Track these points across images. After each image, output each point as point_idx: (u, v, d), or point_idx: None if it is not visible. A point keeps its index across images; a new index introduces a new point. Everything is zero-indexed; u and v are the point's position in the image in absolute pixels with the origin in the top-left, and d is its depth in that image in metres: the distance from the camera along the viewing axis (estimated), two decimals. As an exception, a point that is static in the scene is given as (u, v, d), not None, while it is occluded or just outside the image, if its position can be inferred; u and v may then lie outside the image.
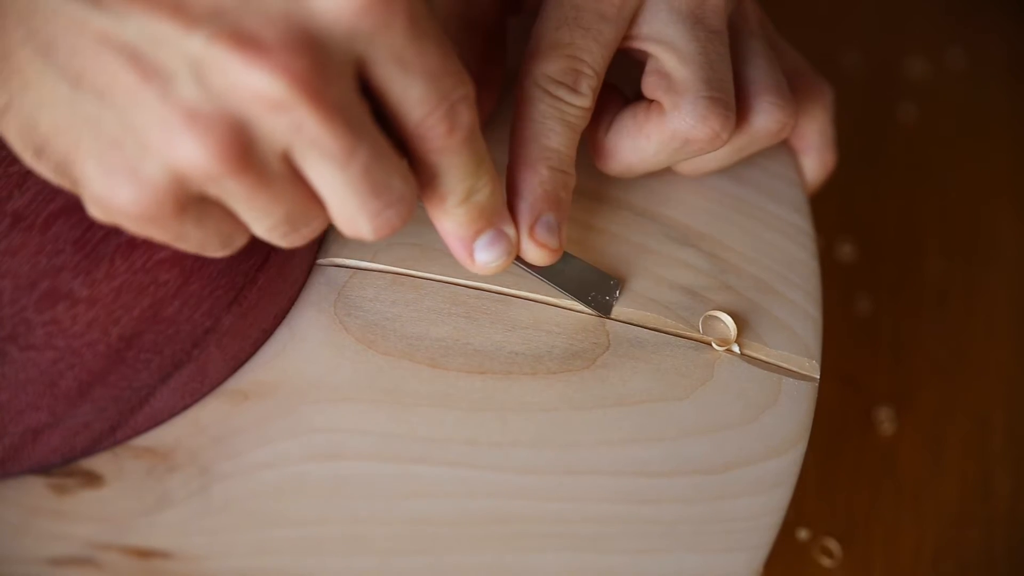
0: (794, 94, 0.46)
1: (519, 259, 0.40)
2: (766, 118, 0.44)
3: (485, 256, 0.38)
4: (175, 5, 0.30)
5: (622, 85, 0.46)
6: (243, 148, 0.31)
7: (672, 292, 0.44)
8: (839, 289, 0.65)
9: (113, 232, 0.39)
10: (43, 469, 0.37)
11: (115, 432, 0.38)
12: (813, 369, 0.43)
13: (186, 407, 0.39)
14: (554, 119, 0.40)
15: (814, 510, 0.57)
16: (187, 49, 0.30)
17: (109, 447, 0.38)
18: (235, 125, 0.31)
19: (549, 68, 0.41)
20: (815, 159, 0.50)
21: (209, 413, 0.39)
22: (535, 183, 0.40)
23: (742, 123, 0.44)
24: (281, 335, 0.41)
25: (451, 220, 0.37)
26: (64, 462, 0.38)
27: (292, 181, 0.33)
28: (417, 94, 0.33)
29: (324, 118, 0.31)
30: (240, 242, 0.35)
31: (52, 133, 0.32)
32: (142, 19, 0.30)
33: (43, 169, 0.33)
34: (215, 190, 0.32)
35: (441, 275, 0.43)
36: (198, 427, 0.39)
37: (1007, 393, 0.63)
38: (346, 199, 0.33)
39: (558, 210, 0.40)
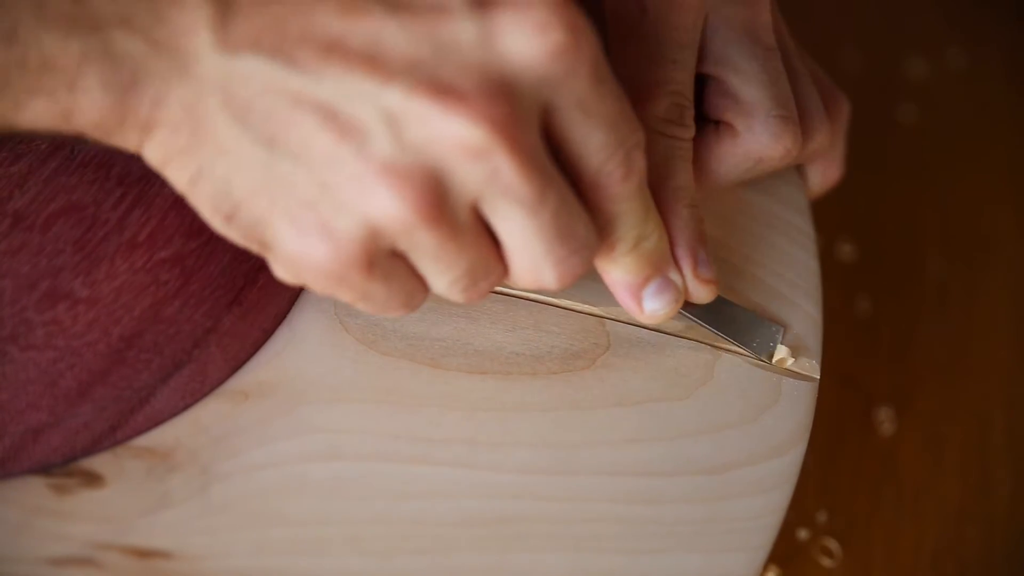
0: None
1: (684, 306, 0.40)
2: (812, 139, 0.45)
3: (654, 304, 0.38)
4: (370, 60, 0.30)
5: None
6: (438, 199, 0.31)
7: (672, 292, 0.44)
8: (839, 289, 0.65)
9: (114, 232, 0.39)
10: (43, 469, 0.37)
11: (115, 432, 0.38)
12: (813, 369, 0.43)
13: (186, 407, 0.39)
14: (676, 157, 0.41)
15: (814, 510, 0.57)
16: (384, 103, 0.30)
17: (109, 447, 0.38)
18: (431, 176, 0.31)
19: (658, 109, 0.41)
20: (822, 171, 0.50)
21: (209, 413, 0.39)
22: (682, 224, 0.39)
23: None
24: (281, 335, 0.41)
25: (620, 269, 0.37)
26: (64, 462, 0.38)
27: (478, 233, 0.33)
28: (597, 141, 0.33)
29: (520, 164, 0.31)
30: (420, 300, 0.35)
31: (245, 197, 0.32)
32: (338, 76, 0.30)
33: (232, 233, 0.33)
34: (405, 244, 0.32)
35: None
36: (198, 427, 0.39)
37: (1007, 393, 0.63)
38: (533, 247, 0.33)
39: (705, 244, 0.40)
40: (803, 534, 0.57)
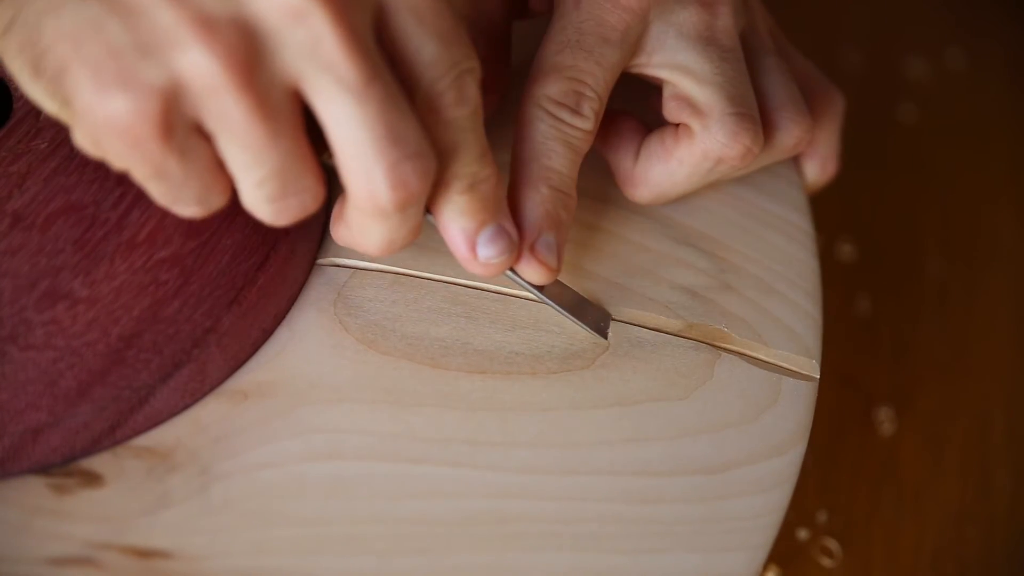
0: (806, 102, 0.46)
1: (516, 274, 0.40)
2: (785, 134, 0.44)
3: (487, 251, 0.37)
4: None
5: (640, 113, 0.46)
6: (250, 59, 0.30)
7: (672, 292, 0.44)
8: (839, 289, 0.65)
9: (113, 232, 0.39)
10: (43, 469, 0.37)
11: (115, 432, 0.38)
12: (813, 369, 0.43)
13: (186, 407, 0.39)
14: (555, 140, 0.40)
15: (814, 510, 0.57)
16: None
17: (109, 447, 0.38)
18: (248, 35, 0.30)
19: (551, 90, 0.40)
20: (818, 165, 0.50)
21: (209, 413, 0.39)
22: (536, 202, 0.39)
23: (764, 139, 0.44)
24: (281, 335, 0.41)
25: (455, 208, 0.36)
26: (64, 462, 0.38)
27: (294, 125, 0.32)
28: (429, 54, 0.33)
29: (342, 35, 0.30)
30: (217, 201, 0.34)
31: (51, 43, 0.31)
32: None
33: (37, 89, 0.32)
34: (211, 114, 0.31)
35: (441, 275, 0.43)
36: (198, 427, 0.39)
37: (1007, 393, 0.63)
38: (361, 142, 0.32)
39: (558, 230, 0.40)
40: (803, 534, 0.57)
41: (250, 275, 0.40)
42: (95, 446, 0.38)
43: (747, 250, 0.46)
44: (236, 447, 0.38)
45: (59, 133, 0.40)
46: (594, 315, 0.42)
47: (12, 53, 0.32)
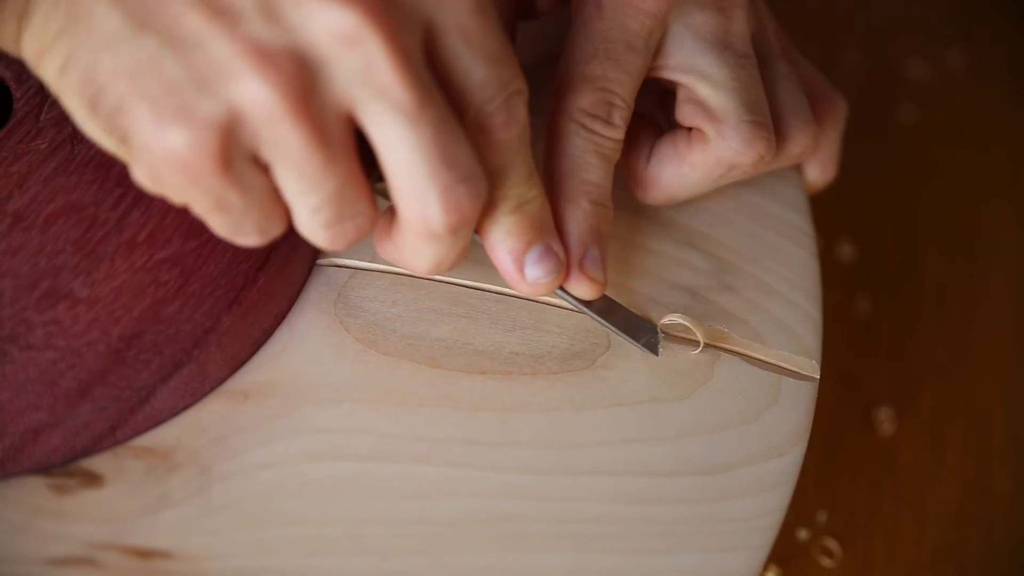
0: (810, 106, 0.46)
1: (565, 291, 0.40)
2: (793, 143, 0.44)
3: (535, 271, 0.37)
4: None
5: (652, 113, 0.46)
6: (306, 88, 0.30)
7: (672, 292, 0.44)
8: (839, 289, 0.65)
9: (114, 232, 0.39)
10: (43, 469, 0.37)
11: (115, 432, 0.38)
12: (813, 369, 0.43)
13: (186, 407, 0.39)
14: (591, 152, 0.40)
15: (814, 510, 0.57)
16: None
17: (109, 447, 0.38)
18: (301, 63, 0.30)
19: (582, 102, 0.40)
20: (818, 169, 0.50)
21: (209, 413, 0.39)
22: (580, 218, 0.39)
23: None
24: (281, 335, 0.41)
25: (502, 229, 0.36)
26: (64, 462, 0.38)
27: (348, 152, 0.32)
28: (479, 77, 0.33)
29: (395, 59, 0.30)
30: (277, 230, 0.34)
31: (109, 80, 0.31)
32: None
33: (95, 127, 0.33)
34: (268, 143, 0.31)
35: (441, 275, 0.43)
36: (198, 427, 0.39)
37: (1007, 393, 0.63)
38: (415, 165, 0.32)
39: (601, 244, 0.40)
40: (803, 534, 0.57)
41: (250, 275, 0.40)
42: (95, 446, 0.38)
43: (747, 250, 0.46)
44: (236, 447, 0.38)
45: (59, 133, 0.40)
46: (645, 331, 0.42)
47: (69, 91, 0.32)
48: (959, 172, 0.73)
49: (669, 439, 0.40)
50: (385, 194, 0.35)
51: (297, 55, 0.30)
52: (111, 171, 0.40)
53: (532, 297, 0.42)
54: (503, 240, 0.37)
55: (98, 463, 0.38)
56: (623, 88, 0.41)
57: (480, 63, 0.33)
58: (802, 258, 0.46)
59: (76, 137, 0.40)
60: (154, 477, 0.38)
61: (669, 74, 0.43)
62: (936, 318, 0.66)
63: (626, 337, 0.42)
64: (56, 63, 0.32)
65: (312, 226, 0.33)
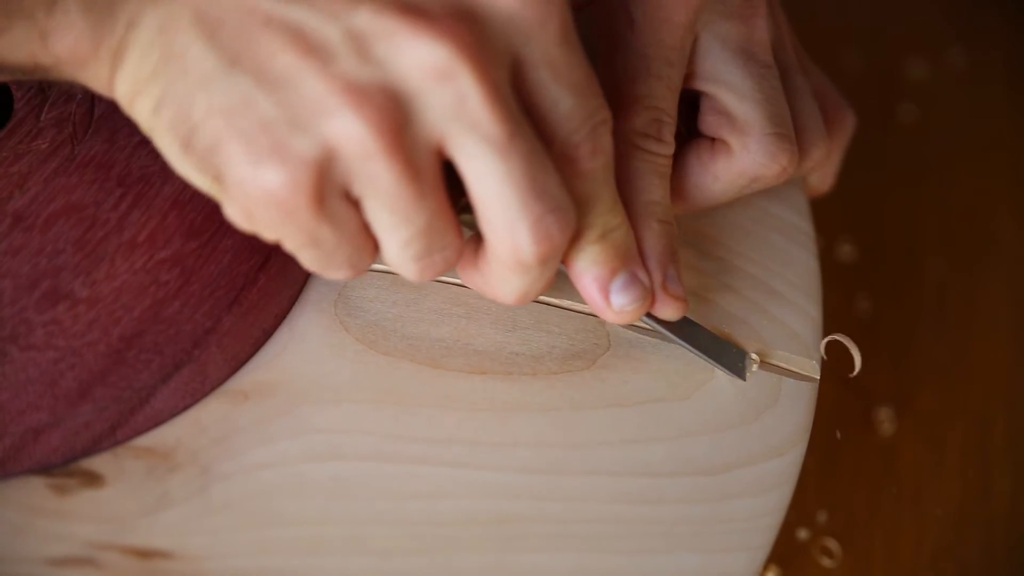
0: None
1: (651, 317, 0.39)
2: (806, 157, 0.44)
3: (621, 299, 0.37)
4: None
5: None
6: (399, 124, 0.31)
7: (672, 292, 0.44)
8: (839, 289, 0.65)
9: (114, 232, 0.39)
10: (43, 469, 0.37)
11: (115, 432, 0.38)
12: (813, 370, 0.43)
13: (186, 407, 0.39)
14: (651, 172, 0.40)
15: (814, 510, 0.57)
16: (352, 22, 0.30)
17: (109, 447, 0.38)
18: (394, 99, 0.31)
19: (635, 123, 0.40)
20: (817, 176, 0.50)
21: (209, 413, 0.39)
22: (653, 239, 0.39)
23: None
24: (281, 335, 0.41)
25: (587, 258, 0.36)
26: (64, 462, 0.38)
27: (438, 185, 0.32)
28: (566, 108, 0.33)
29: (487, 92, 0.31)
30: (366, 264, 0.34)
31: (203, 119, 0.32)
32: None
33: (188, 165, 0.33)
34: (361, 180, 0.31)
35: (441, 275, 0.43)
36: (198, 427, 0.39)
37: (1007, 393, 0.63)
38: (505, 197, 0.32)
39: (676, 263, 0.39)
40: (803, 534, 0.57)
41: (251, 275, 0.40)
42: (96, 446, 0.38)
43: (747, 250, 0.46)
44: (236, 447, 0.38)
45: (59, 134, 0.40)
46: (731, 355, 0.42)
47: (162, 130, 0.33)
48: (959, 172, 0.73)
49: (669, 439, 0.40)
50: (470, 225, 0.35)
51: (389, 91, 0.31)
52: (111, 171, 0.40)
53: (620, 324, 0.42)
54: (589, 269, 0.36)
55: (98, 463, 0.38)
56: (668, 103, 0.41)
57: (567, 94, 0.33)
58: (802, 258, 0.46)
59: (76, 137, 0.40)
60: (154, 477, 0.38)
61: (695, 83, 0.43)
62: (936, 318, 0.66)
63: (711, 361, 0.41)
64: (150, 102, 0.33)
65: (402, 259, 0.34)
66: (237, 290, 0.40)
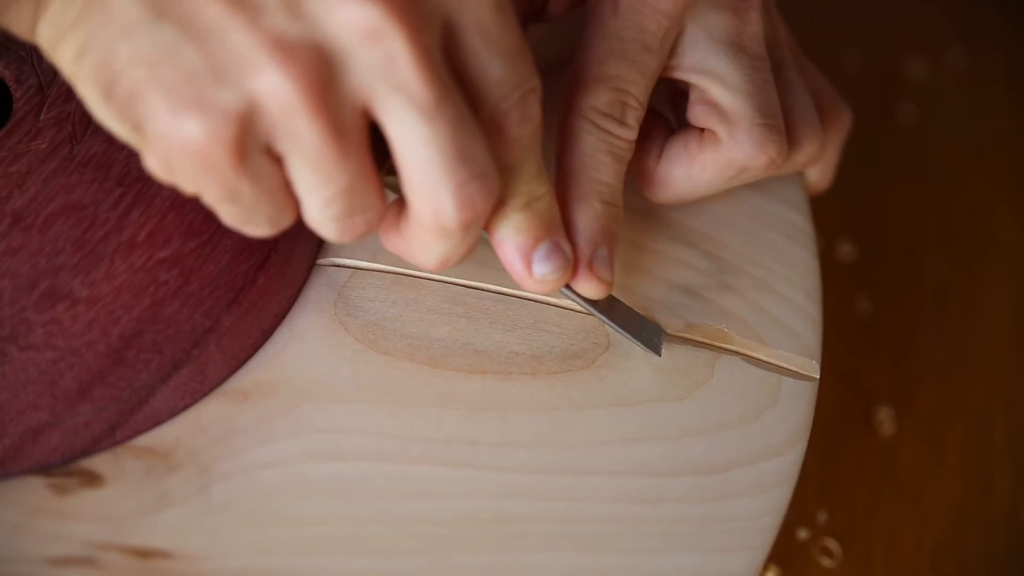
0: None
1: (572, 290, 0.39)
2: (800, 151, 0.44)
3: (543, 268, 0.37)
4: None
5: (663, 111, 0.46)
6: (325, 81, 0.30)
7: (672, 292, 0.44)
8: (839, 289, 0.65)
9: (113, 232, 0.39)
10: (43, 469, 0.37)
11: (115, 432, 0.38)
12: (813, 369, 0.43)
13: (186, 407, 0.39)
14: (603, 152, 0.40)
15: (814, 510, 0.57)
16: None
17: (109, 447, 0.38)
18: (322, 57, 0.30)
19: (596, 101, 0.40)
20: (815, 175, 0.50)
21: (209, 413, 0.39)
22: (591, 217, 0.39)
23: None
24: (281, 335, 0.41)
25: (511, 225, 0.36)
26: (64, 462, 0.38)
27: (362, 147, 0.32)
28: (496, 74, 0.33)
29: (416, 55, 0.30)
30: (287, 221, 0.34)
31: (124, 67, 0.31)
32: None
33: (108, 114, 0.32)
34: (284, 136, 0.31)
35: (441, 275, 0.43)
36: (198, 427, 0.39)
37: (1007, 393, 0.63)
38: (430, 161, 0.32)
39: (611, 244, 0.39)
40: (803, 534, 0.57)
41: (250, 275, 0.40)
42: (95, 446, 0.38)
43: (747, 250, 0.46)
44: (236, 447, 0.38)
45: (59, 133, 0.40)
46: (648, 331, 0.42)
47: (84, 77, 0.32)
48: (959, 171, 0.73)
49: (669, 439, 0.40)
50: (394, 188, 0.35)
51: (317, 49, 0.30)
52: (111, 171, 0.40)
53: (537, 295, 0.42)
54: (511, 236, 0.36)
55: (98, 463, 0.38)
56: (637, 88, 0.41)
57: (497, 60, 0.33)
58: (802, 258, 0.46)
59: (76, 137, 0.40)
60: (154, 477, 0.38)
61: (682, 75, 0.43)
62: (936, 318, 0.66)
63: (629, 336, 0.42)
64: (72, 49, 0.32)
65: (322, 219, 0.33)
66: (236, 290, 0.40)
